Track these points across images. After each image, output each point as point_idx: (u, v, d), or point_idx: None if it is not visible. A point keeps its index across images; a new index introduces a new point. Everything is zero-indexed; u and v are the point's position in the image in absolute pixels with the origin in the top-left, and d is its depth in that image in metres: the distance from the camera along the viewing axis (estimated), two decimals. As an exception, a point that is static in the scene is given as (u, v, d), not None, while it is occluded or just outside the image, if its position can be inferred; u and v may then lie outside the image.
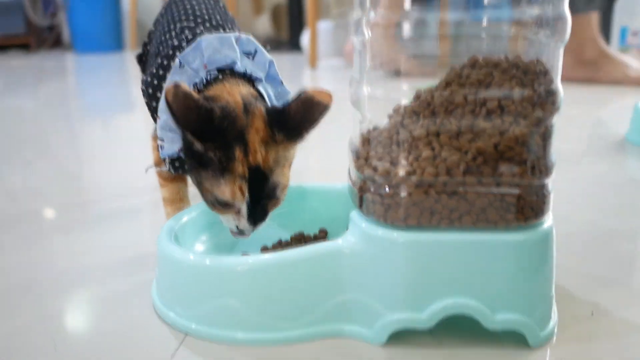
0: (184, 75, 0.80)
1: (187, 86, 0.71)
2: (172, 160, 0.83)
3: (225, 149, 0.73)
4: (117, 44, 4.52)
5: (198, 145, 0.73)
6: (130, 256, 0.94)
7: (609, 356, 0.65)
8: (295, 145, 0.77)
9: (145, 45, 1.03)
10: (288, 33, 4.32)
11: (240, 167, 0.73)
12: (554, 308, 0.70)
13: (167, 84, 0.81)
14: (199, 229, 0.85)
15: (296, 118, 0.74)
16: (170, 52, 0.84)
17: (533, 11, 0.67)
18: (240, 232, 0.78)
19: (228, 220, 0.77)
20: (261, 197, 0.75)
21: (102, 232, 1.06)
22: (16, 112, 2.42)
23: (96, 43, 4.41)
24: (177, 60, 0.80)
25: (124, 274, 0.88)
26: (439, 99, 0.65)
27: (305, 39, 3.46)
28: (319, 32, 3.25)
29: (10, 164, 1.61)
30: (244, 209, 0.75)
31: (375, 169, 0.65)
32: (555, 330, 0.69)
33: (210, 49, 0.81)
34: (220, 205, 0.76)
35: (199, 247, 0.84)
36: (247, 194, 0.74)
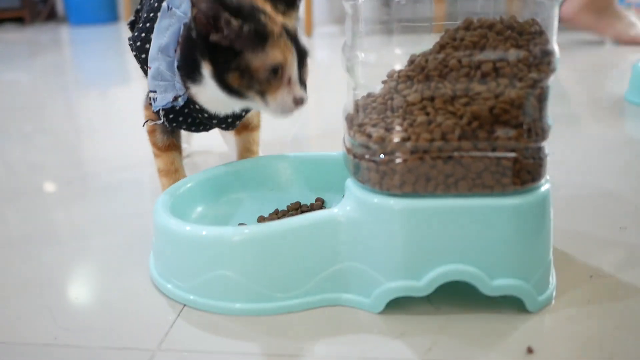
0: (173, 17, 0.80)
1: None
2: (167, 113, 0.83)
3: (253, 19, 0.75)
4: (111, 16, 4.46)
5: (234, 23, 0.74)
6: (129, 228, 0.94)
7: (607, 319, 0.64)
8: (295, 16, 0.81)
9: (137, 11, 1.01)
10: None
11: (275, 27, 0.76)
12: (553, 272, 0.70)
13: (157, 26, 0.81)
14: (195, 201, 0.84)
15: None
16: (156, 4, 0.84)
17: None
18: (300, 100, 0.78)
19: (283, 98, 0.78)
20: (302, 53, 0.78)
21: (102, 205, 1.06)
22: (13, 86, 2.40)
23: (90, 15, 4.36)
24: (164, 4, 0.81)
25: (123, 246, 0.88)
26: (432, 63, 0.64)
27: (301, 6, 3.41)
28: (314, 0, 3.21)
29: (8, 137, 1.60)
30: (294, 69, 0.77)
31: (369, 136, 0.64)
32: (554, 294, 0.68)
33: None
34: (273, 75, 0.76)
35: (195, 218, 0.83)
36: (293, 47, 0.77)
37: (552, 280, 0.69)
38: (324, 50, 2.78)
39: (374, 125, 0.65)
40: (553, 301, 0.68)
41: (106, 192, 1.12)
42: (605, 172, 1.07)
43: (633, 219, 0.87)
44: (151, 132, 0.94)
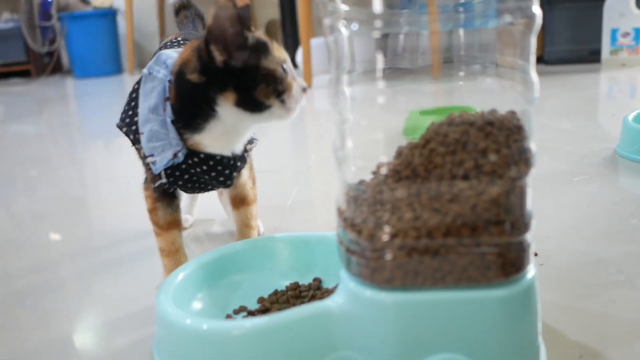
0: (155, 80, 0.86)
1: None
2: (168, 175, 0.87)
3: (260, 41, 0.85)
4: (115, 68, 4.55)
5: (250, 36, 0.84)
6: (133, 308, 0.96)
7: (596, 403, 0.67)
8: None
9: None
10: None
11: (275, 48, 0.87)
12: (543, 352, 0.72)
13: (142, 90, 0.88)
14: (196, 285, 0.87)
15: None
16: (135, 86, 0.90)
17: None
18: (304, 89, 0.89)
19: (296, 90, 0.88)
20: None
21: (105, 281, 1.09)
22: (19, 138, 2.46)
23: (95, 68, 4.46)
24: (145, 71, 0.87)
25: (125, 329, 0.90)
26: (418, 159, 0.67)
27: (299, 56, 3.47)
28: (313, 48, 3.26)
29: (14, 187, 1.64)
30: (290, 64, 0.88)
31: (359, 232, 0.67)
32: (544, 376, 0.70)
33: (171, 59, 0.88)
34: (284, 73, 0.86)
35: (197, 304, 0.86)
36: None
37: (542, 361, 0.71)
38: (323, 100, 2.83)
39: (364, 221, 0.68)
40: (544, 383, 0.70)
41: (107, 269, 1.15)
42: (597, 237, 1.10)
43: (622, 291, 0.89)
44: (152, 211, 0.97)
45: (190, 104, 0.85)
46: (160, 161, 0.85)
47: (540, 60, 3.21)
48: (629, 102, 2.38)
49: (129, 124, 0.91)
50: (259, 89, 0.84)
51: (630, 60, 3.01)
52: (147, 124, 0.84)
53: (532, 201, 0.68)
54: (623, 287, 0.91)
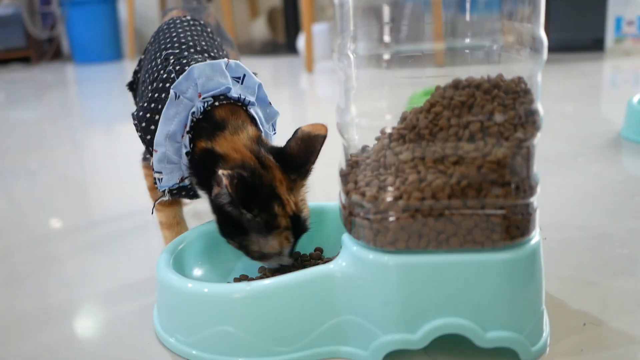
0: (180, 105, 0.82)
1: (228, 170, 0.73)
2: (171, 190, 0.85)
3: (267, 209, 0.77)
4: (115, 54, 4.53)
5: (247, 216, 0.76)
6: (133, 278, 0.96)
7: (600, 368, 0.66)
8: (304, 184, 0.82)
9: (135, 73, 1.04)
10: (284, 36, 4.33)
11: (283, 221, 0.77)
12: (546, 321, 0.72)
13: (165, 113, 0.82)
14: (196, 253, 0.86)
15: (300, 157, 0.80)
16: (160, 84, 0.85)
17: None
18: (283, 267, 0.83)
19: (271, 264, 0.82)
20: (300, 234, 0.81)
21: (106, 255, 1.08)
22: (20, 124, 2.45)
23: (95, 54, 4.43)
24: (172, 92, 0.82)
25: (126, 297, 0.90)
26: (423, 122, 0.66)
27: (301, 42, 3.46)
28: (315, 34, 3.25)
29: (15, 174, 1.64)
30: (286, 251, 0.80)
31: (363, 195, 0.66)
32: (548, 343, 0.70)
33: (203, 77, 0.83)
34: (268, 257, 0.80)
35: (197, 272, 0.85)
36: (292, 238, 0.79)
37: (546, 329, 0.71)
38: (325, 86, 2.82)
39: (367, 183, 0.67)
40: (547, 350, 0.69)
41: (109, 242, 1.14)
42: (601, 213, 1.09)
43: (625, 264, 0.89)
44: (153, 189, 0.96)
45: (204, 168, 0.81)
46: (167, 181, 0.84)
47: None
48: (633, 89, 2.36)
49: (144, 130, 0.85)
50: (230, 238, 0.81)
51: (634, 49, 2.99)
52: (161, 146, 0.82)
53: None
54: (626, 260, 0.90)
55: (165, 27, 0.99)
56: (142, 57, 1.02)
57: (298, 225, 0.80)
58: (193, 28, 0.97)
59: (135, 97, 1.06)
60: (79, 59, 4.50)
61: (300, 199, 0.81)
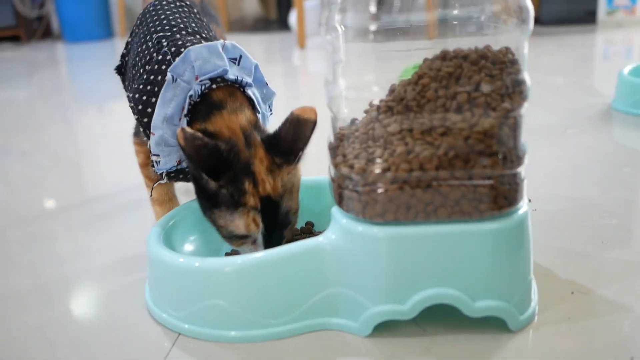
0: (177, 88, 0.81)
1: (190, 130, 0.73)
2: (169, 173, 0.85)
3: (236, 183, 0.75)
4: (106, 32, 4.49)
5: (212, 184, 0.75)
6: (124, 255, 0.96)
7: (587, 336, 0.67)
8: (297, 168, 0.80)
9: (123, 56, 1.02)
10: (276, 12, 4.29)
11: (251, 199, 0.75)
12: (534, 289, 0.72)
13: (162, 96, 0.81)
14: (187, 229, 0.87)
15: (288, 140, 0.77)
16: (156, 66, 0.84)
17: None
18: None
19: (244, 251, 0.79)
20: (275, 224, 0.77)
21: (101, 224, 1.09)
22: (10, 104, 2.44)
23: (85, 32, 4.39)
24: (169, 75, 0.81)
25: (120, 270, 0.90)
26: (411, 94, 0.66)
27: (293, 18, 3.44)
28: (306, 10, 3.22)
29: (7, 154, 1.63)
30: (259, 238, 0.77)
31: (351, 167, 0.67)
32: (536, 311, 0.71)
33: (200, 59, 0.82)
34: (236, 238, 0.78)
35: (189, 247, 0.86)
36: (261, 225, 0.76)
37: (534, 298, 0.72)
38: (317, 62, 2.81)
39: (356, 156, 0.67)
40: (536, 318, 0.70)
41: (102, 219, 1.15)
42: (590, 184, 1.10)
43: (614, 233, 0.90)
44: (144, 166, 0.96)
45: None
46: (164, 163, 0.83)
47: (536, 21, 3.17)
48: (625, 61, 2.36)
49: (141, 113, 0.85)
50: (208, 211, 0.79)
51: (626, 21, 2.98)
52: (158, 129, 0.82)
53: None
54: (615, 229, 0.91)
55: (151, 9, 0.98)
56: (129, 40, 1.01)
57: (272, 211, 0.77)
58: (181, 10, 0.96)
59: (124, 81, 1.04)
60: (69, 37, 4.45)
61: (281, 184, 0.78)
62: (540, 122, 1.48)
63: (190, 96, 0.81)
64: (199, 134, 0.74)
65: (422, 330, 0.70)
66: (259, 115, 0.85)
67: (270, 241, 0.78)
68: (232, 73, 0.83)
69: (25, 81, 3.07)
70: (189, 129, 0.73)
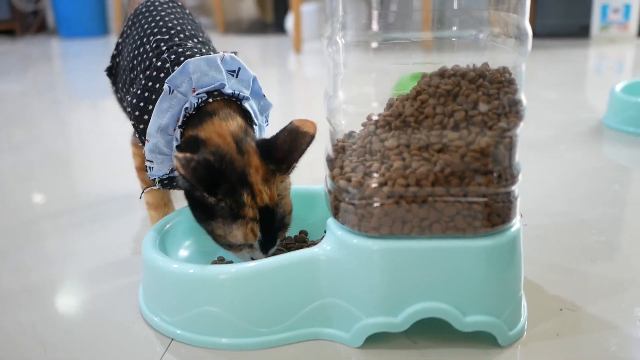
0: (173, 100, 0.81)
1: (180, 153, 0.73)
2: (161, 180, 0.85)
3: (234, 196, 0.75)
4: (101, 29, 4.48)
5: (210, 200, 0.75)
6: (116, 257, 0.96)
7: (574, 353, 0.68)
8: (289, 175, 0.80)
9: (114, 57, 1.01)
10: (273, 16, 4.30)
11: (250, 211, 0.76)
12: (524, 305, 0.74)
13: (158, 106, 0.82)
14: (182, 235, 0.87)
15: (284, 149, 0.78)
16: (155, 73, 0.84)
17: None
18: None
19: (242, 256, 0.80)
20: (272, 230, 0.78)
21: (92, 222, 1.10)
22: (3, 98, 2.43)
23: (81, 28, 4.38)
24: (166, 86, 0.81)
25: (108, 277, 0.91)
26: (409, 109, 0.67)
27: (289, 22, 3.44)
28: (303, 15, 3.23)
29: None
30: (256, 245, 0.78)
31: (349, 180, 0.67)
32: (525, 327, 0.72)
33: (198, 72, 0.82)
34: (234, 247, 0.79)
35: (183, 252, 0.86)
36: (259, 234, 0.77)
37: (524, 313, 0.73)
38: (313, 67, 2.82)
39: (353, 169, 0.68)
40: (525, 334, 0.71)
41: (94, 221, 1.15)
42: (580, 200, 1.11)
43: (603, 251, 0.91)
44: (141, 170, 0.97)
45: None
46: (157, 170, 0.84)
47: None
48: (617, 76, 2.39)
49: (137, 119, 0.85)
50: (202, 222, 0.80)
51: (619, 37, 3.01)
52: (153, 138, 0.83)
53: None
54: (603, 247, 0.93)
55: (144, 9, 0.97)
56: (120, 40, 1.00)
57: (270, 219, 0.77)
58: (175, 10, 0.96)
59: (114, 83, 1.03)
60: (64, 33, 4.44)
61: (277, 192, 0.78)
62: (532, 136, 1.50)
63: (186, 108, 0.81)
64: (188, 155, 0.73)
65: (413, 343, 0.71)
66: (256, 128, 0.85)
67: (266, 245, 0.79)
68: (230, 86, 0.84)
69: (19, 76, 3.06)
70: (179, 154, 0.73)
